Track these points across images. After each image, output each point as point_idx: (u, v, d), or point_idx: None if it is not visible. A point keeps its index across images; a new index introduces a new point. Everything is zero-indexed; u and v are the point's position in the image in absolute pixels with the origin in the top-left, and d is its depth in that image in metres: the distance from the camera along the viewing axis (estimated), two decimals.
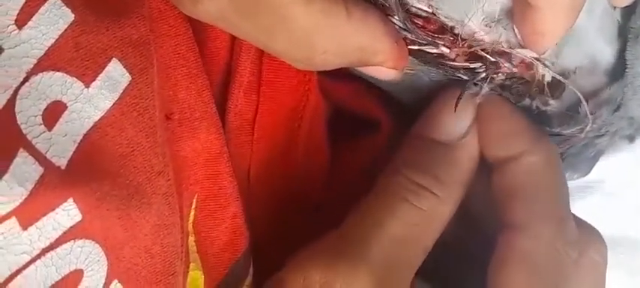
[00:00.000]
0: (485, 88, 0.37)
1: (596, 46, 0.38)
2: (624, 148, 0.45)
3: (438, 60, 0.37)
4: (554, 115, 0.39)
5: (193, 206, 0.36)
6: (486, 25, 0.36)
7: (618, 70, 0.39)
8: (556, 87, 0.38)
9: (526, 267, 0.36)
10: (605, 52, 0.38)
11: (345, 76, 0.42)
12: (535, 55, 0.37)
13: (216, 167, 0.37)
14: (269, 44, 0.34)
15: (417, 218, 0.36)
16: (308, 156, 0.41)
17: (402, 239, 0.36)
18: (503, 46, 0.37)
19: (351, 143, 0.43)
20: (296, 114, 0.40)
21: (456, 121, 0.38)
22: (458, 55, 0.37)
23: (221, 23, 0.34)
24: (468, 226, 0.39)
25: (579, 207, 0.41)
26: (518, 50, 0.37)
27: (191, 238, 0.36)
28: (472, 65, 0.37)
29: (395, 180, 0.37)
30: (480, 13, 0.36)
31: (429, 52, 0.37)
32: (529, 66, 0.37)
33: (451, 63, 0.37)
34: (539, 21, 0.34)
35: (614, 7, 0.38)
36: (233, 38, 0.39)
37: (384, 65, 0.36)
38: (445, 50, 0.37)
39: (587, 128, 0.39)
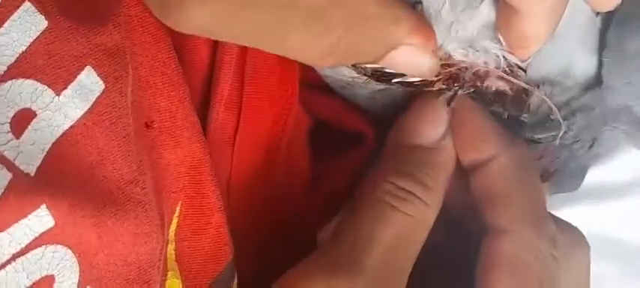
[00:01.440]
0: (459, 92, 0.38)
1: (577, 56, 0.38)
2: None
3: (418, 85, 0.38)
4: (527, 122, 0.39)
5: (176, 214, 0.36)
6: (463, 49, 0.37)
7: (594, 79, 0.39)
8: (525, 99, 0.38)
9: (512, 271, 0.36)
10: (586, 62, 0.38)
11: (328, 90, 0.42)
12: (509, 78, 0.37)
13: (199, 176, 0.37)
14: (281, 42, 0.33)
15: (406, 224, 0.36)
16: (288, 169, 0.41)
17: (394, 247, 0.36)
18: (480, 67, 0.37)
19: (335, 157, 0.43)
20: (277, 128, 0.40)
21: (433, 125, 0.38)
22: (438, 78, 0.37)
23: (218, 32, 0.32)
24: (447, 228, 0.39)
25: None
26: (494, 71, 0.37)
27: (170, 247, 0.36)
28: (450, 88, 0.38)
29: (381, 188, 0.37)
30: (455, 41, 0.36)
31: (411, 81, 0.38)
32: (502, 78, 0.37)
33: (430, 88, 0.38)
34: (523, 26, 0.34)
35: (598, 15, 0.38)
36: (212, 52, 0.39)
37: (412, 41, 0.34)
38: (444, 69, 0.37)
39: (561, 134, 0.38)
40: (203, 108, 0.39)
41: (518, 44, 0.36)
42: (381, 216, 0.36)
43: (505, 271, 0.36)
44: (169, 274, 0.35)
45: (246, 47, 0.39)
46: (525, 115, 0.39)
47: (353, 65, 0.38)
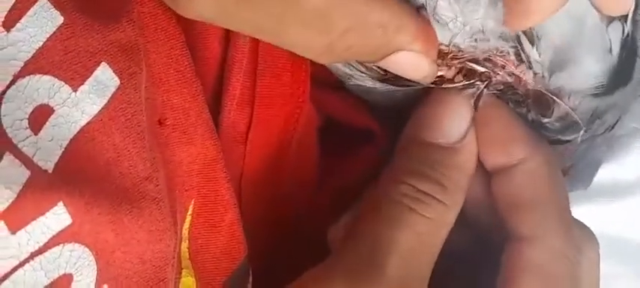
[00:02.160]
0: (484, 90, 0.37)
1: (586, 61, 0.37)
2: None
3: (437, 82, 0.37)
4: (550, 124, 0.38)
5: (189, 212, 0.36)
6: (475, 41, 0.36)
7: (621, 78, 0.39)
8: (547, 103, 0.37)
9: (540, 279, 0.35)
10: (595, 66, 0.38)
11: (338, 88, 0.41)
12: (526, 73, 0.36)
13: (212, 173, 0.36)
14: (281, 35, 0.32)
15: (426, 227, 0.35)
16: (298, 167, 0.41)
17: (414, 250, 0.35)
18: (493, 55, 0.36)
19: (345, 154, 0.43)
20: (289, 126, 0.40)
21: (454, 123, 0.36)
22: (457, 73, 0.37)
23: (221, 20, 0.32)
24: (463, 231, 0.39)
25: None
26: (509, 58, 0.36)
27: (184, 245, 0.35)
28: (468, 82, 0.37)
29: (397, 189, 0.35)
30: (462, 35, 0.35)
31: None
32: (520, 79, 0.37)
33: (450, 85, 0.37)
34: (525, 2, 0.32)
35: (608, 23, 0.38)
36: (224, 49, 0.39)
37: (414, 48, 0.34)
38: (443, 71, 0.36)
39: (581, 134, 0.38)
40: (215, 105, 0.39)
41: (517, 12, 0.33)
42: (400, 219, 0.35)
43: (534, 279, 0.35)
44: (183, 271, 0.35)
45: (257, 45, 0.39)
46: (548, 120, 0.38)
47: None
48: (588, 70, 0.37)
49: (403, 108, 0.39)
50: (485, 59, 0.36)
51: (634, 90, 0.39)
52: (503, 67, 0.36)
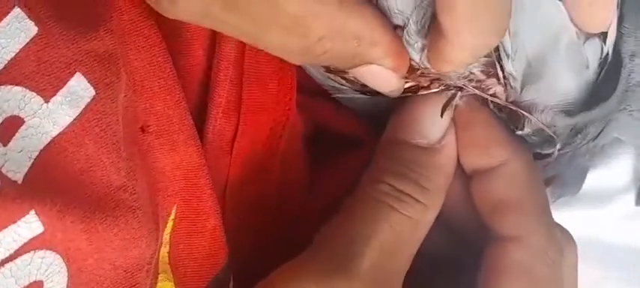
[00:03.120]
0: (457, 93, 0.37)
1: (560, 76, 0.37)
2: None
3: (412, 90, 0.37)
4: (527, 137, 0.38)
5: (172, 217, 0.36)
6: None
7: (601, 93, 0.38)
8: (518, 116, 0.37)
9: (524, 278, 0.36)
10: (570, 82, 0.37)
11: (324, 96, 0.41)
12: (492, 93, 0.37)
13: (195, 179, 0.36)
14: (261, 38, 0.33)
15: (404, 225, 0.35)
16: (286, 175, 0.41)
17: (391, 247, 0.35)
18: (465, 74, 0.36)
19: (333, 161, 0.43)
20: (275, 135, 0.40)
21: (433, 124, 0.37)
22: (431, 82, 0.37)
23: (205, 21, 0.33)
24: (443, 232, 0.39)
25: None
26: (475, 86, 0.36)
27: (164, 249, 0.35)
28: (444, 89, 0.37)
29: (378, 188, 0.36)
30: None
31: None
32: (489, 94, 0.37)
33: (425, 91, 0.37)
34: (447, 51, 0.33)
35: (585, 40, 0.37)
36: (208, 57, 0.39)
37: (385, 63, 0.34)
38: (416, 82, 0.37)
39: (556, 150, 0.38)
40: (199, 113, 0.39)
41: (438, 65, 0.34)
42: (378, 216, 0.35)
43: (517, 279, 0.36)
44: (160, 276, 0.35)
45: (243, 54, 0.39)
46: (522, 132, 0.38)
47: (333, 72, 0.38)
48: (562, 85, 0.37)
49: (388, 115, 0.40)
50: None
51: (619, 102, 0.39)
52: (471, 81, 0.37)
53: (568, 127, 0.37)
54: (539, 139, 0.38)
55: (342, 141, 0.43)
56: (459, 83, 0.37)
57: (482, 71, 0.36)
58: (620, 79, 0.38)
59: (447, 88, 0.37)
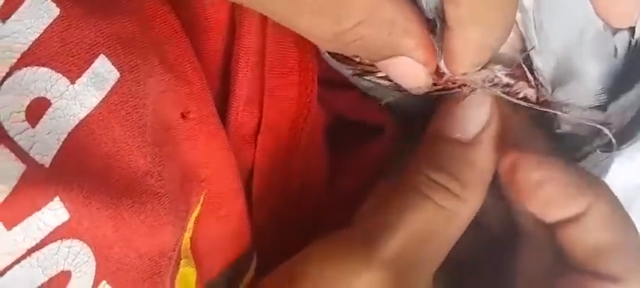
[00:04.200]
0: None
1: (591, 70, 0.36)
2: None
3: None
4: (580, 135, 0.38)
5: (200, 203, 0.35)
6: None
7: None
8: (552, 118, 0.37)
9: None
10: (599, 73, 0.37)
11: (345, 87, 0.40)
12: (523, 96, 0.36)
13: (226, 163, 0.36)
14: (294, 18, 0.32)
15: (438, 216, 0.35)
16: (308, 165, 0.40)
17: (422, 236, 0.34)
18: (490, 78, 0.36)
19: (355, 150, 0.42)
20: (297, 125, 0.39)
21: (471, 119, 0.36)
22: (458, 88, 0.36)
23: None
24: (480, 240, 0.38)
25: None
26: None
27: (187, 235, 0.34)
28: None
29: (416, 178, 0.35)
30: None
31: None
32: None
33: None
34: (451, 42, 0.33)
35: (614, 32, 0.36)
36: (228, 46, 0.38)
37: (415, 55, 0.34)
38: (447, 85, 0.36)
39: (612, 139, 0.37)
40: (220, 104, 0.38)
41: (447, 60, 0.34)
42: (412, 202, 0.35)
43: None
44: (183, 262, 0.34)
45: (264, 44, 0.38)
46: (563, 129, 0.37)
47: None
48: (591, 76, 0.36)
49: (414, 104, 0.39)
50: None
51: None
52: (497, 85, 0.36)
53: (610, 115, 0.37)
54: (587, 135, 0.37)
55: (363, 129, 0.42)
56: (486, 88, 0.36)
57: (507, 74, 0.36)
58: None
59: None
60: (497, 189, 0.37)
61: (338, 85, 0.41)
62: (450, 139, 0.36)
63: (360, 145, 0.42)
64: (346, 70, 0.38)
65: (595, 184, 0.36)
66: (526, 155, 0.35)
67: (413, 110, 0.39)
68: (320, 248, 0.35)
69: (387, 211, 0.35)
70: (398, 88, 0.37)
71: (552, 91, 0.36)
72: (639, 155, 0.43)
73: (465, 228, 0.35)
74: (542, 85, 0.36)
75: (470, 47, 0.32)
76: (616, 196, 0.36)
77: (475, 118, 0.36)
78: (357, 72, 0.38)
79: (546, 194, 0.35)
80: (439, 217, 0.34)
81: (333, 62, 0.38)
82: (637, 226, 0.37)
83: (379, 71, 0.37)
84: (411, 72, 0.35)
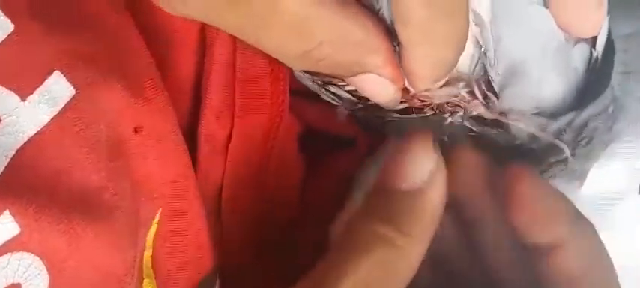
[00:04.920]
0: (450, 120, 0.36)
1: (550, 83, 0.36)
2: None
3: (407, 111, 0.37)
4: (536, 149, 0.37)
5: (156, 221, 0.34)
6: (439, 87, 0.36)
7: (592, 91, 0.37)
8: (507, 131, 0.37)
9: None
10: (559, 87, 0.37)
11: (316, 95, 0.40)
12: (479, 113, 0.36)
13: (182, 183, 0.35)
14: (261, 37, 0.32)
15: (380, 269, 0.34)
16: (280, 176, 0.40)
17: (367, 281, 0.34)
18: (454, 93, 0.36)
19: (328, 160, 0.42)
20: (268, 135, 0.39)
21: (415, 167, 0.35)
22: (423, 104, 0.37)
23: (209, 17, 0.32)
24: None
25: None
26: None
27: (147, 253, 0.34)
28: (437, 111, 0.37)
29: (361, 231, 0.35)
30: None
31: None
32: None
33: (419, 114, 0.37)
34: (407, 61, 0.33)
35: (575, 43, 0.36)
36: (200, 59, 0.38)
37: (383, 72, 0.34)
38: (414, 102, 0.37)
39: (568, 154, 0.37)
40: (192, 116, 0.38)
41: (407, 77, 0.34)
42: (357, 258, 0.34)
43: None
44: (145, 281, 0.34)
45: (234, 55, 0.38)
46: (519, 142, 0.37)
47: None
48: (548, 89, 0.36)
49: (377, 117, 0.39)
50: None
51: (622, 90, 0.38)
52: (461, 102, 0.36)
53: (562, 129, 0.36)
54: (541, 149, 0.37)
55: (334, 141, 0.42)
56: (450, 105, 0.36)
57: (469, 92, 0.36)
58: (613, 69, 0.37)
59: (441, 110, 0.37)
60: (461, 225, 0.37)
61: (310, 94, 0.41)
62: (396, 190, 0.35)
63: (331, 157, 0.42)
64: (311, 83, 0.38)
65: (576, 215, 0.36)
66: (532, 169, 0.36)
67: (376, 123, 0.39)
68: None
69: (334, 266, 0.34)
70: (359, 101, 0.37)
71: (499, 99, 0.36)
72: (614, 163, 0.43)
73: (409, 276, 0.35)
74: (496, 98, 0.36)
75: (424, 64, 0.33)
76: (597, 235, 0.36)
77: (420, 166, 0.35)
78: (318, 83, 0.38)
79: (530, 213, 0.35)
80: (380, 270, 0.34)
81: (297, 73, 0.39)
82: (613, 231, 0.37)
83: (338, 81, 0.37)
84: (379, 88, 0.35)
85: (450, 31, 0.31)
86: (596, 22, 0.35)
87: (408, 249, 0.34)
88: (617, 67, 0.37)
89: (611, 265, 0.36)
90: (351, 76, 0.35)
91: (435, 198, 0.35)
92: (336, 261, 0.34)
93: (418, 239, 0.35)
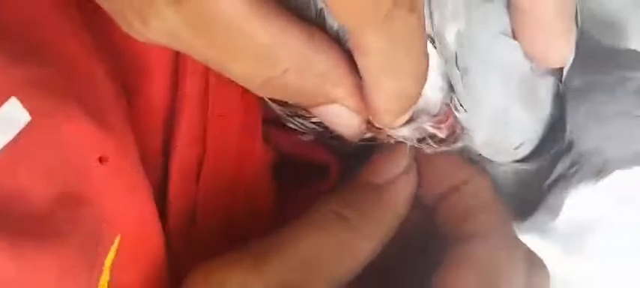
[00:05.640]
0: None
1: (516, 115, 0.36)
2: None
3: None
4: None
5: (114, 247, 0.34)
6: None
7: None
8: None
9: (477, 268, 0.36)
10: (526, 119, 0.37)
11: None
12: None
13: (143, 211, 0.35)
14: (227, 65, 0.32)
15: (333, 243, 0.35)
16: (252, 203, 0.40)
17: (309, 262, 0.35)
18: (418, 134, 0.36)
19: (300, 189, 0.42)
20: (241, 164, 0.39)
21: (388, 165, 0.37)
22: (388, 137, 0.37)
23: (174, 43, 0.32)
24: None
25: None
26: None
27: (104, 278, 0.34)
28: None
29: (320, 209, 0.36)
30: None
31: None
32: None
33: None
34: (371, 99, 0.33)
35: (540, 75, 0.36)
36: (172, 85, 0.38)
37: (347, 104, 0.34)
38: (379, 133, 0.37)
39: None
40: (164, 144, 0.38)
41: (369, 111, 0.34)
42: (307, 231, 0.36)
43: (469, 269, 0.36)
44: None
45: (207, 86, 0.38)
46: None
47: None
48: (516, 121, 0.36)
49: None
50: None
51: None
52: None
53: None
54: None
55: (308, 169, 0.42)
56: (414, 139, 0.36)
57: (433, 125, 0.36)
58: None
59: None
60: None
61: (282, 123, 0.41)
62: (363, 181, 0.37)
63: (304, 185, 0.42)
64: (279, 111, 0.38)
65: (474, 167, 0.38)
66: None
67: (349, 151, 0.39)
68: (208, 265, 0.35)
69: (283, 235, 0.35)
70: (325, 131, 0.37)
71: (476, 137, 0.36)
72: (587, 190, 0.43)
73: (362, 261, 0.36)
74: (464, 131, 0.35)
75: (387, 97, 0.33)
76: (493, 184, 0.38)
77: (392, 164, 0.37)
78: (288, 114, 0.38)
79: (433, 167, 0.38)
80: (330, 247, 0.35)
81: (269, 103, 0.39)
82: (588, 258, 0.38)
83: (310, 115, 0.37)
84: (343, 119, 0.35)
85: (410, 62, 0.31)
86: (565, 53, 0.35)
87: (365, 230, 0.36)
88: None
89: (505, 208, 0.38)
90: (315, 106, 0.35)
91: (401, 193, 0.37)
92: (291, 230, 0.36)
93: (374, 223, 0.36)
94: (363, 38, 0.30)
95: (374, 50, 0.31)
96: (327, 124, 0.36)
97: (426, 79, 0.33)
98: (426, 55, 0.32)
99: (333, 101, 0.34)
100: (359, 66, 0.32)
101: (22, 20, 0.33)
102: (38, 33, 0.33)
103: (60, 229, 0.31)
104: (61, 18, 0.34)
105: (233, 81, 0.37)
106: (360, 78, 0.33)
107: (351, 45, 0.31)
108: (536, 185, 0.39)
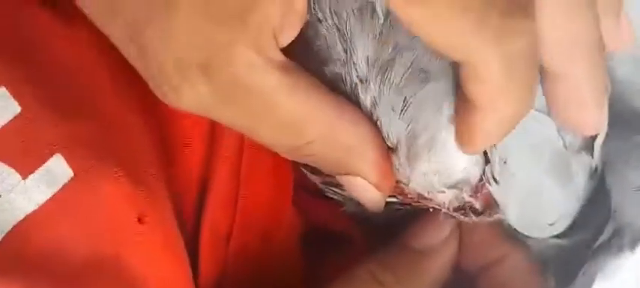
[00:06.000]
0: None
1: (548, 191, 0.36)
2: None
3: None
4: None
5: None
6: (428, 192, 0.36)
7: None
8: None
9: None
10: (559, 196, 0.37)
11: (319, 194, 0.41)
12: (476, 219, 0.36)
13: (176, 267, 0.36)
14: (254, 130, 0.33)
15: None
16: (281, 271, 0.40)
17: None
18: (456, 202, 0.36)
19: (328, 258, 0.42)
20: (271, 230, 0.39)
21: (431, 230, 0.37)
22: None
23: (205, 112, 0.33)
24: None
25: None
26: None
27: None
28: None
29: (357, 271, 0.36)
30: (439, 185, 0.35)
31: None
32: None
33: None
34: (480, 121, 0.32)
35: (574, 151, 0.36)
36: (209, 149, 0.39)
37: (368, 178, 0.34)
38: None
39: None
40: (198, 202, 0.38)
41: (468, 137, 0.33)
42: (344, 286, 0.36)
43: None
44: None
45: (242, 150, 0.39)
46: None
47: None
48: (548, 198, 0.36)
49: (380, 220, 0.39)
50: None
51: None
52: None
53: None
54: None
55: (333, 239, 0.42)
56: (449, 208, 0.36)
57: (471, 195, 0.36)
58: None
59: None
60: None
61: (313, 191, 0.41)
62: (404, 245, 0.37)
63: (331, 255, 0.42)
64: (315, 179, 0.39)
65: (514, 239, 0.37)
66: None
67: (379, 222, 0.39)
68: None
69: None
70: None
71: (509, 210, 0.36)
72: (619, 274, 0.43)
73: None
74: (498, 205, 0.36)
75: (502, 123, 0.32)
76: (531, 256, 0.38)
77: (435, 229, 0.37)
78: (325, 182, 0.38)
79: (473, 237, 0.38)
80: None
81: (304, 169, 0.39)
82: None
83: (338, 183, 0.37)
84: (364, 190, 0.35)
85: (527, 87, 0.31)
86: (599, 120, 0.34)
87: None
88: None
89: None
90: (336, 174, 0.35)
91: (442, 260, 0.37)
92: None
93: None
94: (475, 65, 0.30)
95: (495, 75, 0.30)
96: (348, 190, 0.36)
97: (533, 103, 0.32)
98: (538, 79, 0.31)
99: (356, 173, 0.34)
100: (472, 93, 0.31)
101: (69, 76, 0.34)
102: (82, 88, 0.34)
103: (97, 283, 0.31)
104: (103, 75, 0.35)
105: (266, 148, 0.38)
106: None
107: (464, 74, 0.31)
108: (577, 258, 0.39)
